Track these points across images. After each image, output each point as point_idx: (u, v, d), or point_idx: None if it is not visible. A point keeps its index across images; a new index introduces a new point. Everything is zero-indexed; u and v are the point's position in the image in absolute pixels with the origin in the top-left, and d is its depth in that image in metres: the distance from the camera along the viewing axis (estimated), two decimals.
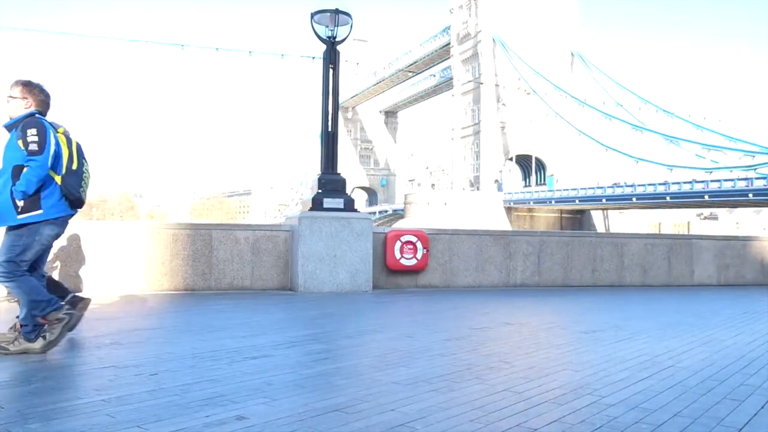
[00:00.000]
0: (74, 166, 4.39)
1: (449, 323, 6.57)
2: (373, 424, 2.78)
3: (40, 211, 4.20)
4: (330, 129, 9.76)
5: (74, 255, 8.52)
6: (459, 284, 10.50)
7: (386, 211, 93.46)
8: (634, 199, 61.47)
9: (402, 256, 10.01)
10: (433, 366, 4.08)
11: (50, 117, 4.54)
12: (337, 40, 9.78)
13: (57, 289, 4.93)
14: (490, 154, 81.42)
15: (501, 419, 2.87)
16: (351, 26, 9.91)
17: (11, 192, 4.14)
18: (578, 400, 3.23)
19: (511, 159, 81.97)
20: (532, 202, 75.35)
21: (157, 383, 3.47)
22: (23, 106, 4.35)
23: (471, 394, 3.32)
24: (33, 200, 4.20)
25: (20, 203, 4.16)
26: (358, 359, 4.49)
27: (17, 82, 4.41)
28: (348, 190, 10.94)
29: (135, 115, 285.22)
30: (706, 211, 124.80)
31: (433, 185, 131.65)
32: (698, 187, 54.41)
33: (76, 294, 5.06)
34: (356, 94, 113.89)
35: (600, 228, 74.93)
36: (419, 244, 10.08)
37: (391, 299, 8.77)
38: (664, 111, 70.93)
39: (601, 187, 65.64)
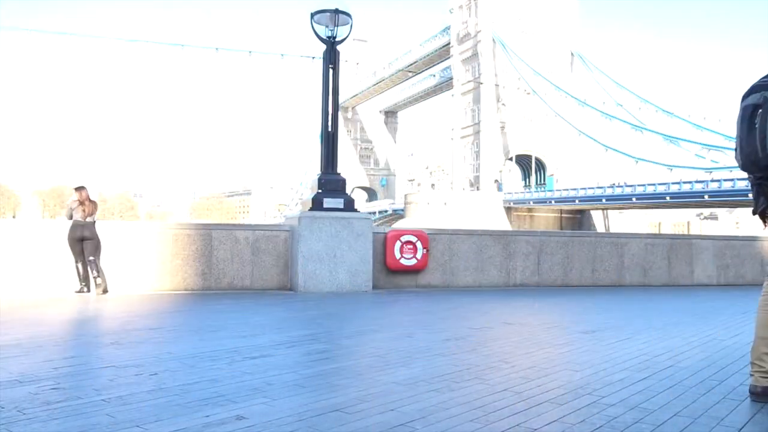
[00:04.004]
0: None
1: (449, 323, 6.57)
2: (373, 424, 2.78)
3: None
4: (330, 129, 9.76)
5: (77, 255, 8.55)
6: (459, 284, 10.49)
7: (386, 211, 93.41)
8: (634, 199, 61.41)
9: (402, 256, 10.00)
10: (433, 366, 4.08)
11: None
12: (337, 40, 9.78)
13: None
14: (490, 154, 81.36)
15: (501, 419, 2.87)
16: (351, 26, 9.92)
17: None
18: (578, 400, 3.23)
19: (511, 159, 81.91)
20: (532, 202, 75.29)
21: (157, 383, 3.47)
22: None
23: (471, 394, 3.32)
24: None
25: None
26: (358, 359, 4.49)
27: None
28: (348, 190, 10.94)
29: (135, 115, 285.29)
30: (706, 211, 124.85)
31: (433, 185, 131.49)
32: (698, 187, 54.30)
33: None
34: (356, 94, 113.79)
35: (600, 228, 74.85)
36: (419, 244, 10.08)
37: (391, 299, 8.77)
38: (664, 111, 70.80)
39: (601, 187, 65.56)
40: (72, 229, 8.49)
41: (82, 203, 8.60)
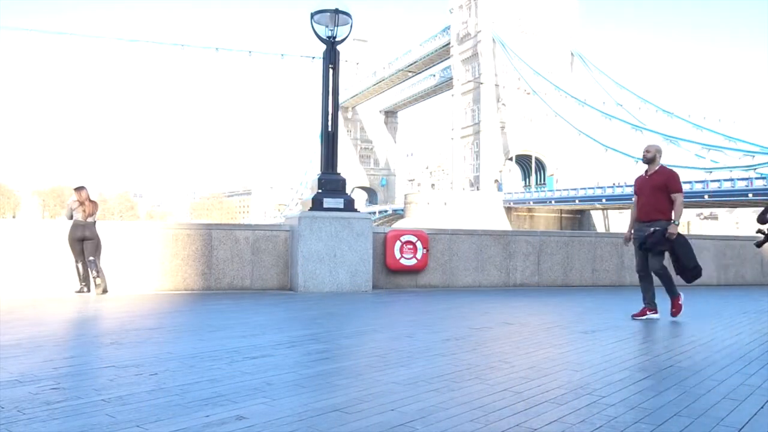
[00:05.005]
0: None
1: (449, 323, 6.56)
2: (373, 424, 2.77)
3: None
4: (330, 129, 9.76)
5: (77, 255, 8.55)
6: (459, 284, 10.49)
7: (386, 211, 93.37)
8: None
9: (402, 256, 10.00)
10: (433, 366, 4.08)
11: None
12: (337, 40, 9.78)
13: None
14: (489, 154, 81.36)
15: (501, 419, 2.87)
16: (351, 26, 9.91)
17: None
18: (578, 400, 3.23)
19: (511, 159, 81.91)
20: (531, 202, 75.31)
21: (157, 383, 3.47)
22: None
23: (471, 394, 3.32)
24: None
25: None
26: (358, 359, 4.48)
27: None
28: (348, 190, 10.95)
29: (135, 115, 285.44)
30: (706, 211, 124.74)
31: (433, 185, 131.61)
32: (698, 187, 54.31)
33: None
34: (356, 94, 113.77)
35: (600, 228, 74.85)
36: (419, 244, 10.08)
37: (391, 299, 8.77)
38: (664, 111, 70.83)
39: (601, 187, 65.57)
40: (72, 229, 8.50)
41: (82, 203, 8.60)
